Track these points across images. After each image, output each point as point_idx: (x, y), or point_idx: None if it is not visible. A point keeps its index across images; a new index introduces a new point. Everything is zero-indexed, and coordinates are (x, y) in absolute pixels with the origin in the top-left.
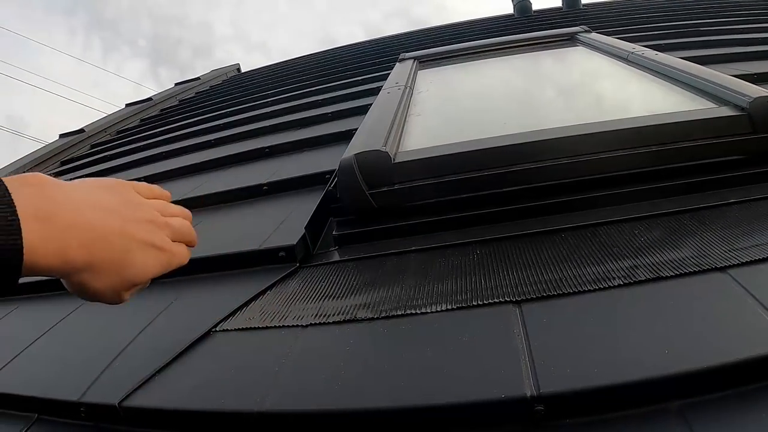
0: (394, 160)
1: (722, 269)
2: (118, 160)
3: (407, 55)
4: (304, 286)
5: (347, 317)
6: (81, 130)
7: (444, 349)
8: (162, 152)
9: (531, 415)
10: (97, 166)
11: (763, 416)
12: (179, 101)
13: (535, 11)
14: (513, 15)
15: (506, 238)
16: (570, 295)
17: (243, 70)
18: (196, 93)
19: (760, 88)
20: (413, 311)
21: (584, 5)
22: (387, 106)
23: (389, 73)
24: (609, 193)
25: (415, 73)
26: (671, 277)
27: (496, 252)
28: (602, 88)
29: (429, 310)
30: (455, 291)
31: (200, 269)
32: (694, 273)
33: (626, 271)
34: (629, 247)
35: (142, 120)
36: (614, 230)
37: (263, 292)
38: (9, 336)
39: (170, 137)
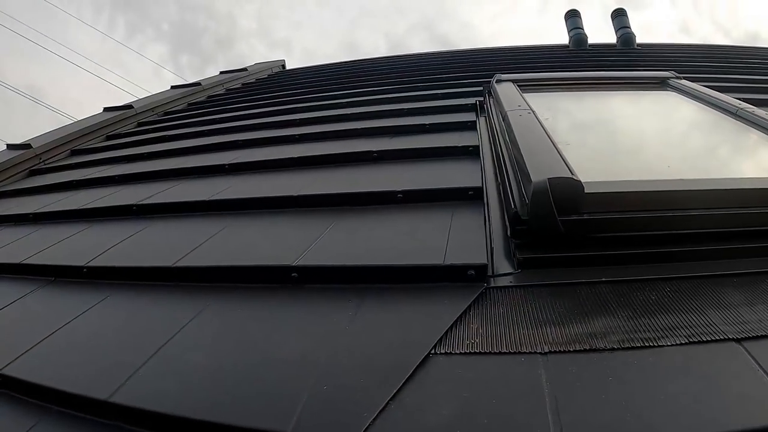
0: (585, 189)
1: None
2: (178, 142)
3: (503, 77)
4: (510, 309)
5: (585, 346)
6: (129, 106)
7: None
8: (232, 141)
9: None
10: (146, 146)
11: None
12: (226, 90)
13: (590, 45)
14: (568, 46)
15: (691, 277)
16: None
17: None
18: (242, 84)
19: None
20: (650, 344)
21: (639, 45)
22: (533, 130)
23: (464, 90)
24: None
25: (520, 97)
26: None
27: (687, 288)
28: (726, 143)
29: (664, 344)
30: (675, 325)
31: (376, 279)
32: None
33: None
34: None
35: (189, 104)
36: None
37: (465, 313)
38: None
39: (234, 126)
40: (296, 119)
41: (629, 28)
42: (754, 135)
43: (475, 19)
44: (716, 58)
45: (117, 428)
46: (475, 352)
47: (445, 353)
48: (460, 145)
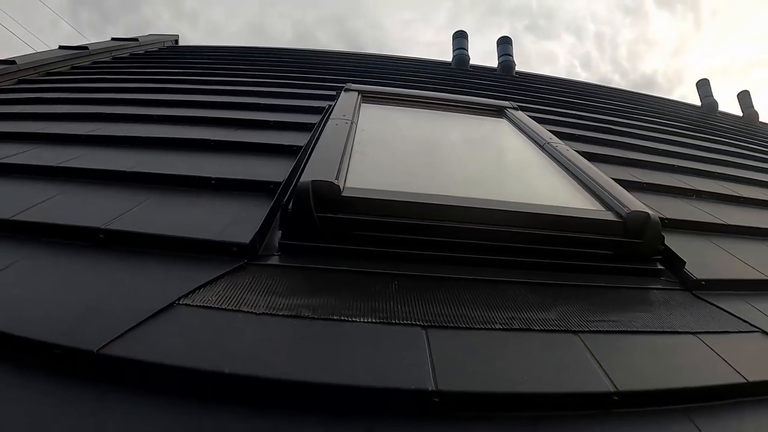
0: (342, 193)
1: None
2: (51, 106)
3: (353, 86)
4: (254, 281)
5: (293, 313)
6: (12, 62)
7: (370, 349)
8: (98, 113)
9: (428, 405)
10: (29, 106)
11: None
12: (113, 58)
13: (471, 66)
14: (450, 65)
15: (420, 276)
16: (464, 329)
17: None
18: (130, 54)
19: (639, 202)
20: (347, 318)
21: (517, 73)
22: (337, 139)
23: (326, 93)
24: (511, 259)
25: (359, 108)
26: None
27: (410, 286)
28: (518, 169)
29: (359, 320)
30: (378, 309)
31: (157, 246)
32: (554, 331)
33: (505, 320)
34: (515, 303)
35: (73, 67)
36: (509, 288)
37: (217, 279)
38: None
39: (107, 98)
40: (162, 99)
41: (511, 55)
42: (550, 166)
43: (386, 22)
44: (583, 95)
45: None
46: (209, 307)
47: (186, 305)
48: (286, 144)
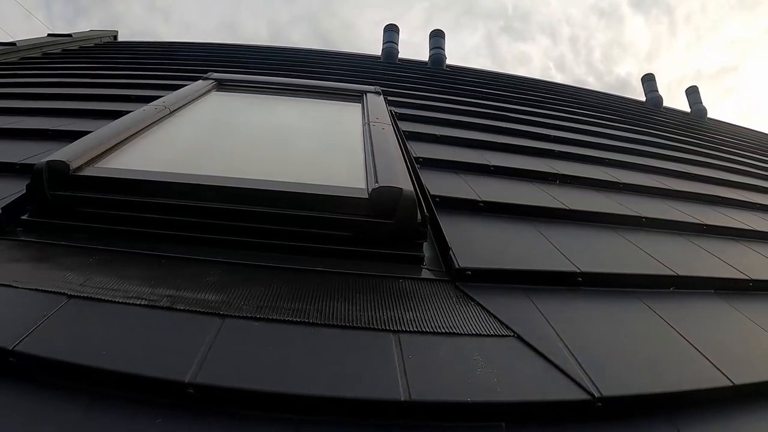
0: (77, 172)
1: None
2: None
3: (214, 75)
4: None
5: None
6: None
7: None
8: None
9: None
10: None
11: None
12: (43, 54)
13: (400, 60)
14: (379, 58)
15: (137, 254)
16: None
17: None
18: (62, 50)
19: (408, 179)
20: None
21: (448, 66)
22: (131, 122)
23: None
24: (255, 240)
25: (203, 95)
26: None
27: (109, 260)
28: (324, 151)
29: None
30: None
31: None
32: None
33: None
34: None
35: None
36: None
37: None
38: None
39: (18, 92)
40: (73, 93)
41: (442, 49)
42: (359, 147)
43: (358, 22)
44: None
45: None
46: None
47: None
48: (74, 129)
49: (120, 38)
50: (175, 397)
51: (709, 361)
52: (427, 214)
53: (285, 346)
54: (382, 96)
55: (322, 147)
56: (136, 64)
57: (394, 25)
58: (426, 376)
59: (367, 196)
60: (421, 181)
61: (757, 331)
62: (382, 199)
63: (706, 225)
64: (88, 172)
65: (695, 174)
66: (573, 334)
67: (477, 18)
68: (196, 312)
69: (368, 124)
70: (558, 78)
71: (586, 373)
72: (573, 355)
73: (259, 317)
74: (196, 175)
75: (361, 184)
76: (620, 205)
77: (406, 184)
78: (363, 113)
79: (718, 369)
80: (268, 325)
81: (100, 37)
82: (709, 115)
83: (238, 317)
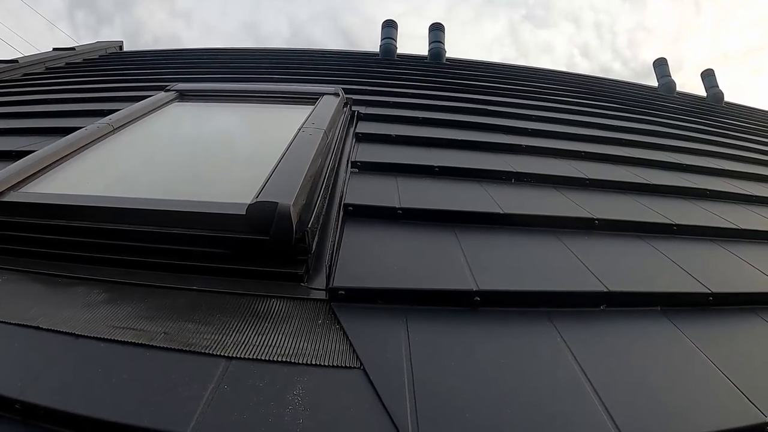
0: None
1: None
2: None
3: (177, 86)
4: None
5: None
6: None
7: None
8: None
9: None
10: None
11: None
12: (46, 68)
13: (398, 56)
14: (378, 55)
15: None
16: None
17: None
18: (66, 63)
19: (294, 192)
20: None
21: (448, 60)
22: (65, 144)
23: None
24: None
25: (160, 108)
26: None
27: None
28: (244, 162)
29: None
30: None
31: None
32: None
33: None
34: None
35: (0, 81)
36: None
37: None
38: None
39: (22, 111)
40: (63, 110)
41: (442, 42)
42: (281, 155)
43: (379, 16)
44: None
45: None
46: None
47: None
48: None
49: (143, 45)
50: None
51: None
52: (311, 228)
53: (111, 369)
54: (340, 97)
55: (249, 159)
56: (136, 74)
57: (393, 20)
58: (226, 411)
59: (244, 213)
60: (331, 191)
61: None
62: (258, 215)
63: (677, 225)
64: (7, 197)
65: (688, 165)
66: (431, 375)
67: (498, 7)
68: (56, 332)
69: (299, 130)
70: (582, 66)
71: None
72: (415, 405)
73: (106, 338)
74: (86, 196)
75: (248, 199)
76: (576, 205)
77: (285, 199)
78: (307, 117)
79: None
80: (109, 347)
81: (105, 49)
82: (737, 97)
83: (91, 338)
